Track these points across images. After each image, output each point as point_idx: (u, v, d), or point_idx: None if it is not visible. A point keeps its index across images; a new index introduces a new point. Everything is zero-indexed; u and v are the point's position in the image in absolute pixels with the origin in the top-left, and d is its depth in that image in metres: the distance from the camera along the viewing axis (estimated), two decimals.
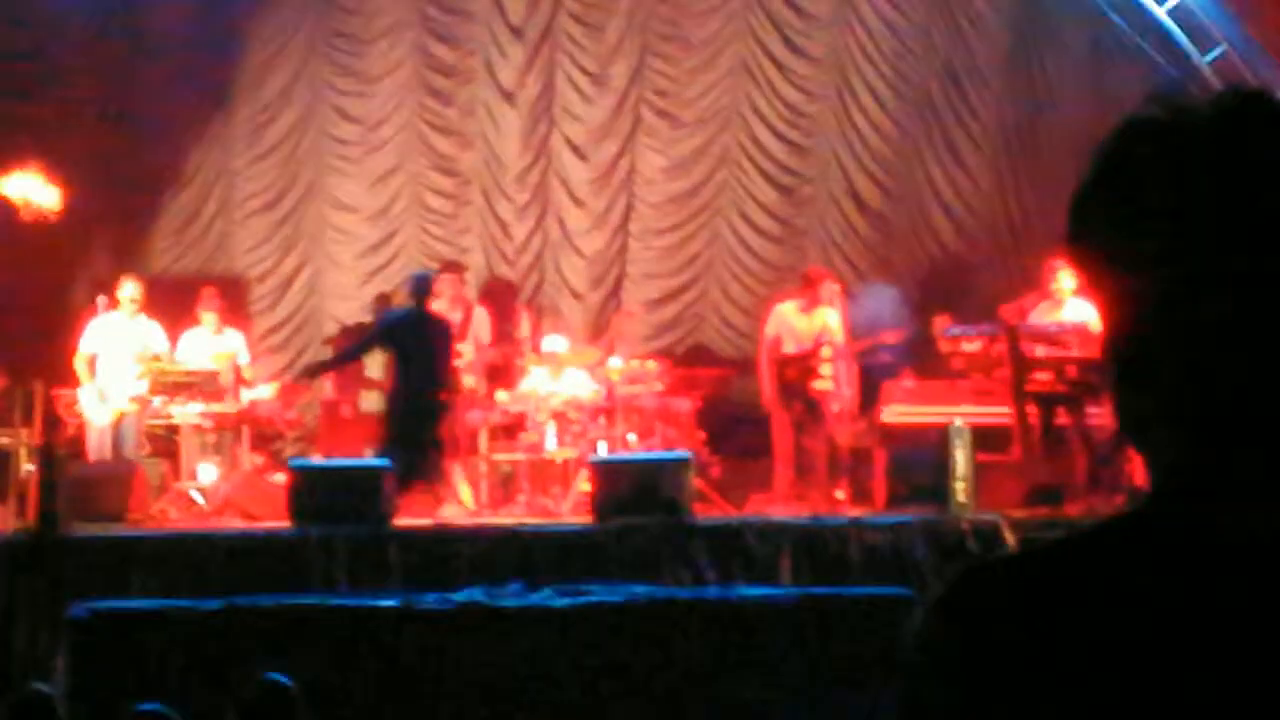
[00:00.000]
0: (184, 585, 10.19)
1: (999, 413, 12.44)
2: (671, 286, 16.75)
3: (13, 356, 13.78)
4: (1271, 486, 1.32)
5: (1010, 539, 10.39)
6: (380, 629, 9.53)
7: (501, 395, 13.64)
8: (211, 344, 13.90)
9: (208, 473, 13.30)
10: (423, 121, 16.73)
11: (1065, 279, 12.08)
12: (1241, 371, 1.33)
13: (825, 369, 13.03)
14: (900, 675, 1.42)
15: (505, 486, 13.51)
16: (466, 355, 13.79)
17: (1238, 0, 14.05)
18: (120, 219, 16.27)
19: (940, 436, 11.66)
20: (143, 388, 13.19)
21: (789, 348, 13.13)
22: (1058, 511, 11.16)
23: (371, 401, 14.45)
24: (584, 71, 16.72)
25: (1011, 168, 16.13)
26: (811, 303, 13.22)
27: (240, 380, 13.71)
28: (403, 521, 11.43)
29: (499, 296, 15.95)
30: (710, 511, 12.12)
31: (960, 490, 11.31)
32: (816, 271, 13.86)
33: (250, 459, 13.59)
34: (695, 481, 11.86)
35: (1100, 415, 11.65)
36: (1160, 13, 14.73)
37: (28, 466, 12.65)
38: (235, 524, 12.17)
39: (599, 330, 15.89)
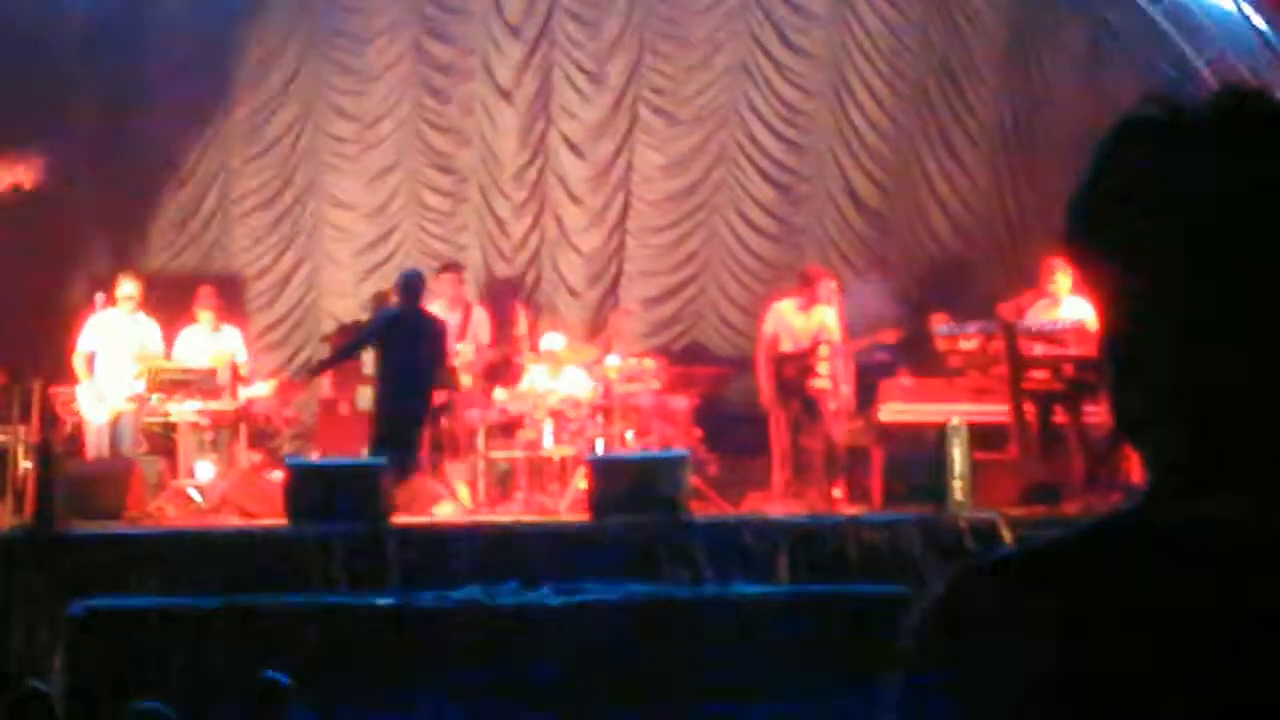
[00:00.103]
0: (182, 583, 10.20)
1: (996, 411, 12.43)
2: (669, 284, 16.74)
3: (10, 354, 13.77)
4: (1269, 484, 1.32)
5: (1007, 537, 10.39)
6: (378, 627, 9.54)
7: (499, 393, 13.64)
8: (209, 342, 13.90)
9: (205, 470, 13.30)
10: (420, 119, 16.73)
11: (1062, 277, 12.07)
12: (1239, 370, 1.33)
13: (823, 367, 13.03)
14: (897, 673, 1.42)
15: (503, 484, 13.51)
16: (466, 355, 13.80)
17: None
18: (118, 216, 16.28)
19: (937, 435, 11.66)
20: (140, 386, 13.20)
21: (786, 346, 13.13)
22: (1055, 510, 11.16)
23: (369, 399, 14.44)
24: (581, 70, 16.72)
25: (1009, 165, 16.12)
26: (809, 301, 13.22)
27: (237, 378, 13.70)
28: (400, 519, 11.43)
29: (496, 294, 15.95)
30: (708, 510, 12.11)
31: (957, 488, 11.31)
32: (814, 270, 13.86)
33: (248, 457, 13.58)
34: (693, 479, 11.86)
35: (1097, 413, 11.64)
36: (1156, 13, 14.70)
37: (25, 464, 12.64)
38: (233, 522, 12.16)
39: (596, 328, 15.88)
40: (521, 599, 9.71)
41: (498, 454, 13.60)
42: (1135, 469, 10.66)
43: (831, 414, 13.03)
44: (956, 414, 11.99)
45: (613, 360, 13.62)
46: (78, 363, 13.32)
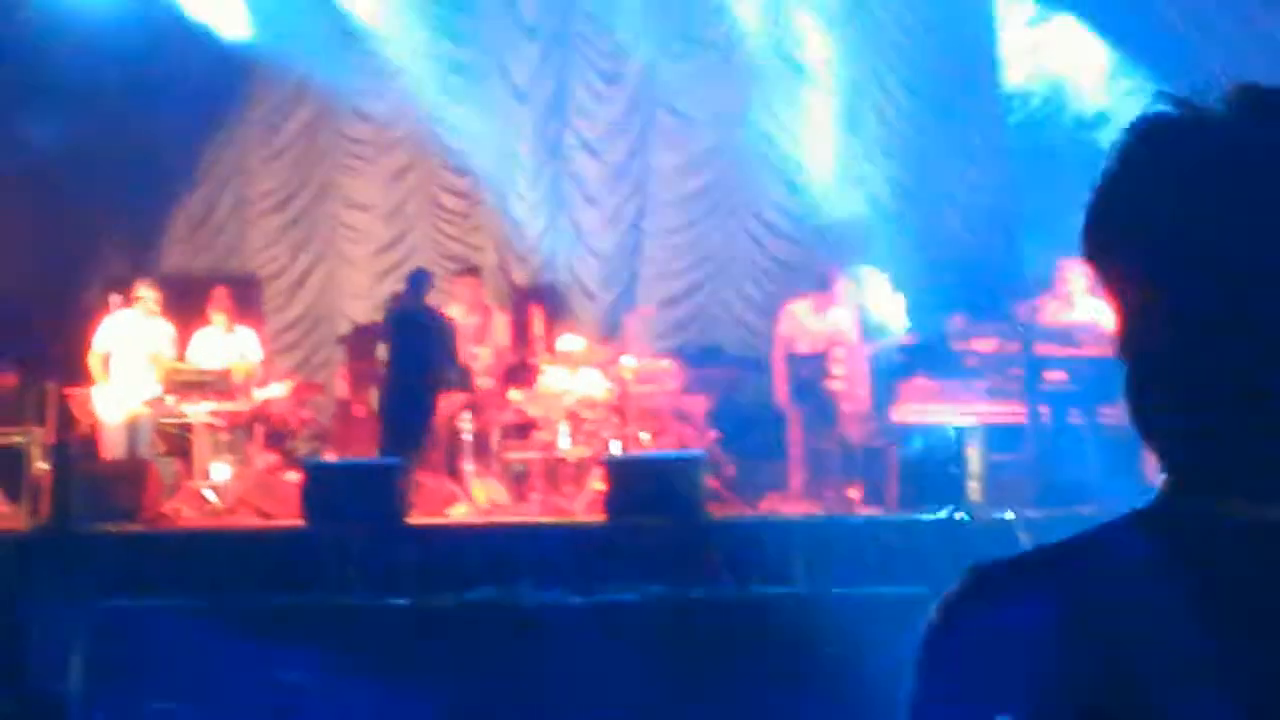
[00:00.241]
0: (198, 584, 10.21)
1: (1012, 412, 12.41)
2: (685, 285, 16.71)
3: (26, 355, 13.81)
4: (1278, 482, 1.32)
5: (1023, 538, 10.37)
6: (393, 628, 9.55)
7: (515, 394, 13.64)
8: (223, 343, 13.92)
9: (221, 471, 13.31)
10: (436, 121, 16.73)
11: (1078, 278, 12.05)
12: (1256, 371, 1.33)
13: (838, 368, 13.02)
14: (911, 673, 1.42)
15: (519, 485, 13.51)
16: (484, 358, 13.81)
17: None
18: (134, 218, 16.31)
19: (954, 436, 11.64)
20: (156, 387, 13.22)
21: (802, 347, 13.12)
22: (1070, 510, 11.13)
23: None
24: (597, 70, 16.71)
25: (1025, 165, 16.07)
26: (825, 302, 13.21)
27: (251, 379, 13.74)
28: (416, 520, 11.44)
29: (512, 296, 15.96)
30: (723, 511, 12.11)
31: (974, 489, 11.30)
32: (830, 270, 13.84)
33: (263, 458, 13.60)
34: (709, 481, 11.85)
35: (1113, 414, 11.62)
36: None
37: (42, 465, 12.67)
38: (248, 523, 12.18)
39: (612, 329, 15.86)
40: (537, 600, 9.71)
41: (514, 455, 13.61)
42: (1151, 468, 10.63)
43: (847, 415, 13.01)
44: (973, 415, 11.97)
45: (629, 361, 13.61)
46: (94, 364, 13.35)
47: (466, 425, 13.14)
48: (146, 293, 13.59)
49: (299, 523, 11.26)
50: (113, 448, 13.25)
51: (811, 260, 15.75)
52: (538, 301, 15.54)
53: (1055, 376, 12.09)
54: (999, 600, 1.38)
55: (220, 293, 14.24)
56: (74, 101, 15.24)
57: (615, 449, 13.05)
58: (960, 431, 11.52)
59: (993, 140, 16.18)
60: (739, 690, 9.09)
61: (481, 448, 13.41)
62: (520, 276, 16.57)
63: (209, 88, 16.25)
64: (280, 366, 15.34)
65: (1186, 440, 1.37)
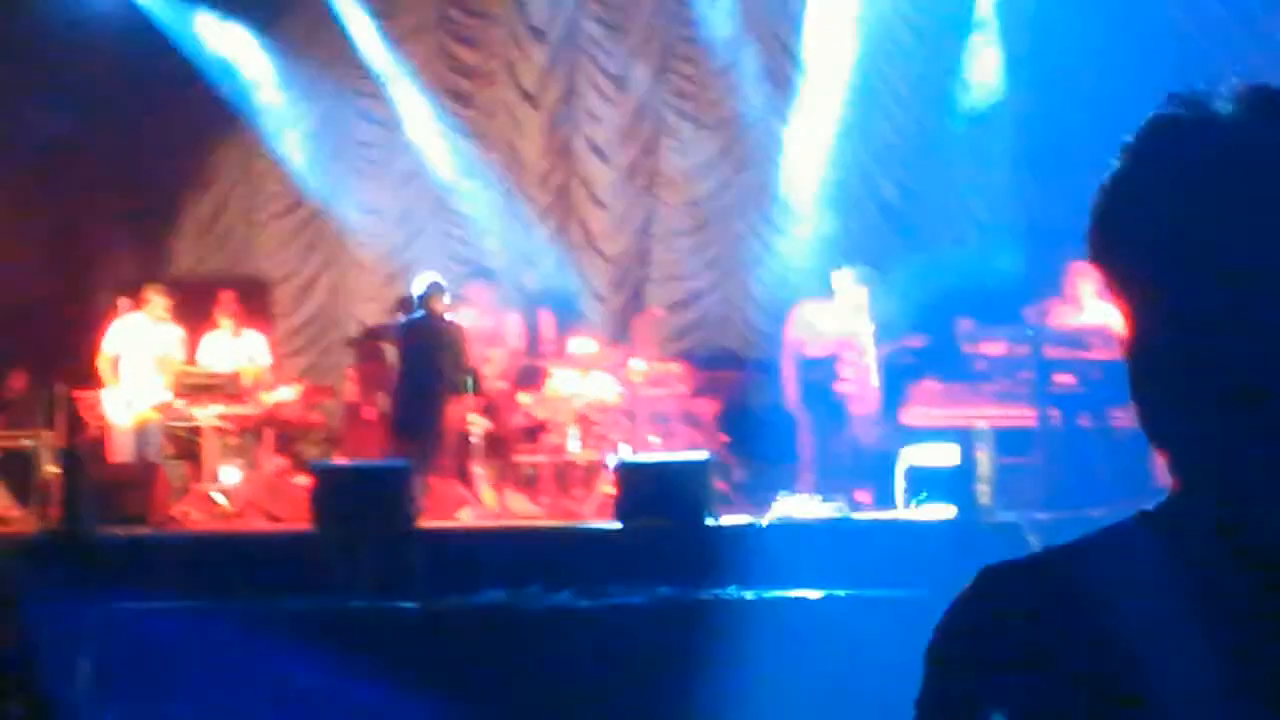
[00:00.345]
0: (206, 587, 10.22)
1: (1022, 415, 12.40)
2: (694, 288, 16.71)
3: (36, 358, 13.83)
4: None
5: (1033, 541, 10.35)
6: (402, 631, 9.55)
7: (524, 398, 13.64)
8: (231, 346, 13.94)
9: (230, 474, 13.33)
10: (445, 123, 16.73)
11: (1087, 281, 12.05)
12: (1265, 374, 1.32)
13: (848, 371, 13.01)
14: (921, 674, 1.42)
15: (528, 488, 13.51)
16: (497, 362, 13.82)
17: None
18: (143, 221, 16.32)
19: (964, 439, 11.63)
20: (165, 391, 13.24)
21: (812, 350, 13.11)
22: (1080, 513, 11.12)
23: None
24: (606, 73, 16.71)
25: (1034, 168, 16.06)
26: (835, 305, 13.20)
27: (260, 382, 13.75)
28: (425, 523, 11.44)
29: (521, 299, 15.96)
30: (733, 513, 12.10)
31: (983, 492, 11.28)
32: (839, 274, 13.82)
33: (272, 461, 13.61)
34: (718, 483, 11.84)
35: (1122, 417, 11.61)
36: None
37: (51, 468, 12.69)
38: (257, 526, 12.19)
39: (621, 332, 15.86)
40: (546, 603, 9.71)
41: (523, 458, 13.61)
42: (1160, 471, 10.62)
43: (857, 418, 13.00)
44: (982, 418, 11.96)
45: (638, 364, 13.62)
46: (103, 367, 13.37)
47: (475, 429, 13.14)
48: (155, 296, 13.62)
49: (308, 526, 11.26)
50: (122, 451, 13.27)
51: (821, 264, 15.73)
52: (547, 305, 15.56)
53: (1065, 380, 12.08)
54: (1009, 602, 1.37)
55: (227, 296, 14.26)
56: (85, 105, 15.29)
57: (625, 452, 13.04)
58: (970, 434, 11.50)
59: (999, 142, 16.15)
60: (747, 693, 9.08)
61: (496, 452, 13.41)
62: (530, 280, 16.56)
63: (219, 90, 16.25)
64: (289, 370, 15.35)
65: (1189, 441, 1.37)
